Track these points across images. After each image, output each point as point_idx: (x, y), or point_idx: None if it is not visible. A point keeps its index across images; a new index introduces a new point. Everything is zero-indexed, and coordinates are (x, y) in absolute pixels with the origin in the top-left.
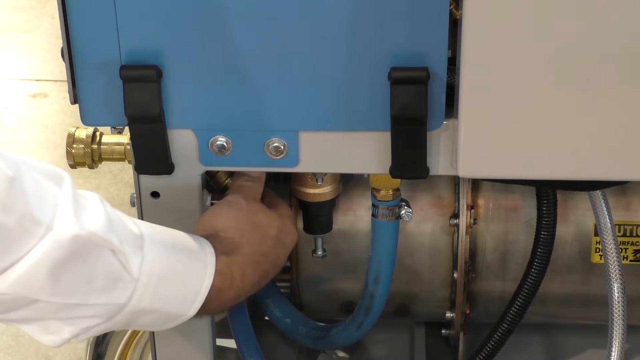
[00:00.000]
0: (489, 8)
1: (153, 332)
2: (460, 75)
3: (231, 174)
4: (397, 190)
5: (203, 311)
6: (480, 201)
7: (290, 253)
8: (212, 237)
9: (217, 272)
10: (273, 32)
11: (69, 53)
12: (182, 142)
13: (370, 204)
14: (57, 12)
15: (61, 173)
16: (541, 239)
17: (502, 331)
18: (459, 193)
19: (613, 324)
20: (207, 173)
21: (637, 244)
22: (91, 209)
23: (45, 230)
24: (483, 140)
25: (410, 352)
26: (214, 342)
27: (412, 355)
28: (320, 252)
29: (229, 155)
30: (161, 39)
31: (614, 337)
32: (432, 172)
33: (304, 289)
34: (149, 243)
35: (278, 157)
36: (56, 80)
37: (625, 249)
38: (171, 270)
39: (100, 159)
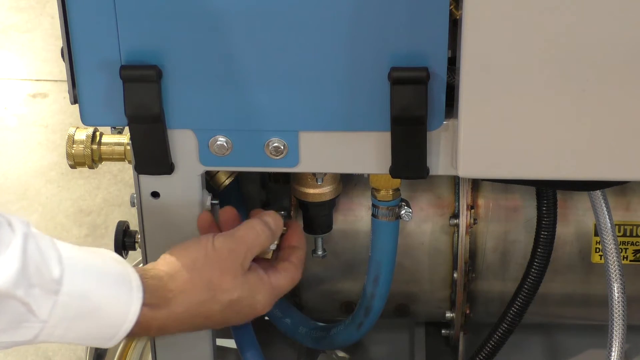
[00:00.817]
0: (489, 8)
1: None
2: (460, 75)
3: (231, 174)
4: (397, 190)
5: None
6: (480, 201)
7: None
8: (154, 280)
9: (135, 322)
10: (273, 32)
11: (69, 53)
12: (182, 142)
13: (370, 204)
14: (57, 12)
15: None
16: (541, 239)
17: (502, 331)
18: (459, 193)
19: (613, 324)
20: (207, 173)
21: (637, 244)
22: (6, 259)
23: None
24: (483, 140)
25: (410, 352)
26: (214, 342)
27: (412, 355)
28: (320, 252)
29: (229, 155)
30: (161, 39)
31: (614, 337)
32: (432, 172)
33: (304, 289)
34: (68, 285)
35: (278, 157)
36: (56, 80)
37: (625, 249)
38: (88, 313)
39: (100, 159)
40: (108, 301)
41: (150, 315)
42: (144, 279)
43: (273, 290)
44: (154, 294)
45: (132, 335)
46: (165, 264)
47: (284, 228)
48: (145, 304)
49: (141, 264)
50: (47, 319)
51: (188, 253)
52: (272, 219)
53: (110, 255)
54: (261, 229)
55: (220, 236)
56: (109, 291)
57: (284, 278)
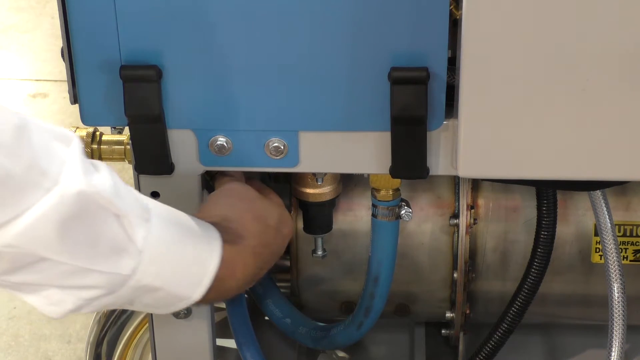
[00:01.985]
0: (489, 8)
1: (153, 332)
2: (460, 75)
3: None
4: (397, 190)
5: (202, 300)
6: (480, 201)
7: (290, 253)
8: (216, 225)
9: (221, 260)
10: (273, 32)
11: (69, 53)
12: (182, 142)
13: (370, 204)
14: (57, 12)
15: (70, 135)
16: (541, 239)
17: (502, 331)
18: (459, 193)
19: (613, 324)
20: (207, 173)
21: (637, 244)
22: (99, 172)
23: (52, 184)
24: (483, 140)
25: (410, 352)
26: (214, 342)
27: (412, 355)
28: (320, 252)
29: (229, 155)
30: (161, 39)
31: (614, 337)
32: (432, 172)
33: (304, 289)
34: (155, 217)
35: (278, 157)
36: (56, 80)
37: (625, 249)
38: (177, 249)
39: (100, 159)
40: (192, 236)
41: (232, 251)
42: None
43: (284, 206)
44: (226, 232)
45: (218, 281)
46: (203, 215)
47: None
48: (224, 241)
49: None
50: (142, 249)
51: (217, 201)
52: (232, 173)
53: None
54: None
55: (225, 184)
56: (191, 226)
57: (277, 197)
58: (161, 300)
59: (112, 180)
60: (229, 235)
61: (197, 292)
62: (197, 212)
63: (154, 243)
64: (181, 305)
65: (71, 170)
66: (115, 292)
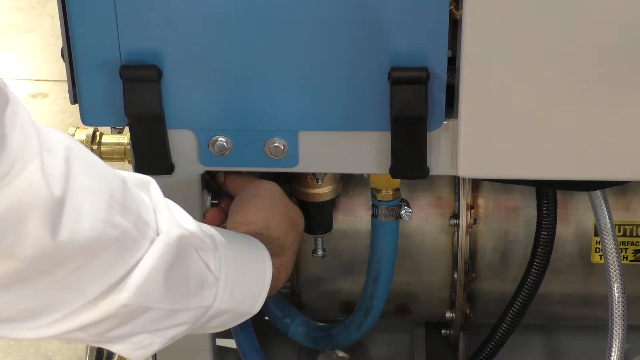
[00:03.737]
0: (489, 8)
1: None
2: (460, 75)
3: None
4: (397, 190)
5: None
6: (480, 201)
7: None
8: (258, 236)
9: (272, 274)
10: (273, 32)
11: (69, 53)
12: (182, 142)
13: (370, 204)
14: (57, 12)
15: (145, 178)
16: (541, 239)
17: (502, 331)
18: (459, 193)
19: (613, 324)
20: (207, 173)
21: (637, 244)
22: (178, 209)
23: (154, 234)
24: (483, 140)
25: (410, 352)
26: (214, 342)
27: (412, 355)
28: (320, 252)
29: (229, 156)
30: (161, 39)
31: (614, 337)
32: (432, 172)
33: (304, 289)
34: (219, 242)
35: (278, 157)
36: (56, 80)
37: (625, 249)
38: (241, 269)
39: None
40: (250, 254)
41: (277, 263)
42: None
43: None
44: (270, 245)
45: (270, 292)
46: (247, 224)
47: None
48: (271, 254)
49: None
50: (219, 276)
51: (258, 205)
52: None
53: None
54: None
55: (261, 184)
56: (246, 245)
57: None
58: (227, 320)
59: (189, 215)
60: (273, 247)
61: (257, 307)
62: (238, 217)
63: (225, 268)
64: (240, 322)
65: (164, 216)
66: (195, 324)
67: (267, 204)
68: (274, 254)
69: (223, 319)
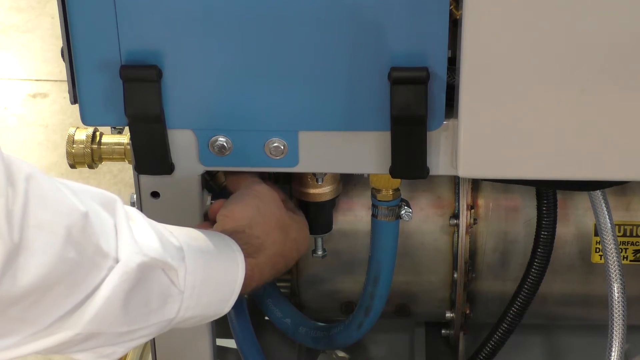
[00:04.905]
0: (489, 8)
1: None
2: (460, 75)
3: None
4: (397, 190)
5: None
6: (480, 201)
7: None
8: (238, 234)
9: (244, 274)
10: (273, 32)
11: (69, 53)
12: (182, 142)
13: (370, 204)
14: (57, 12)
15: (111, 197)
16: (541, 239)
17: (502, 331)
18: (459, 193)
19: (613, 324)
20: (207, 173)
21: (637, 244)
22: (142, 231)
23: (112, 262)
24: (483, 140)
25: (410, 352)
26: (214, 342)
27: (412, 355)
28: (320, 252)
29: (229, 155)
30: (161, 39)
31: (614, 337)
32: (432, 172)
33: (304, 289)
34: (187, 253)
35: (278, 157)
36: (56, 80)
37: (625, 249)
38: (209, 276)
39: (100, 159)
40: (221, 260)
41: (252, 263)
42: (231, 235)
43: (306, 226)
44: (247, 245)
45: (242, 291)
46: (233, 218)
47: None
48: (245, 254)
49: None
50: (184, 289)
51: (246, 202)
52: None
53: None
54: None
55: (255, 185)
56: (218, 250)
57: (302, 214)
58: (194, 322)
59: (155, 235)
60: (250, 248)
61: (226, 308)
62: (226, 210)
63: (191, 280)
64: (209, 321)
65: (126, 243)
66: (161, 331)
67: (255, 203)
68: (249, 254)
69: (189, 323)
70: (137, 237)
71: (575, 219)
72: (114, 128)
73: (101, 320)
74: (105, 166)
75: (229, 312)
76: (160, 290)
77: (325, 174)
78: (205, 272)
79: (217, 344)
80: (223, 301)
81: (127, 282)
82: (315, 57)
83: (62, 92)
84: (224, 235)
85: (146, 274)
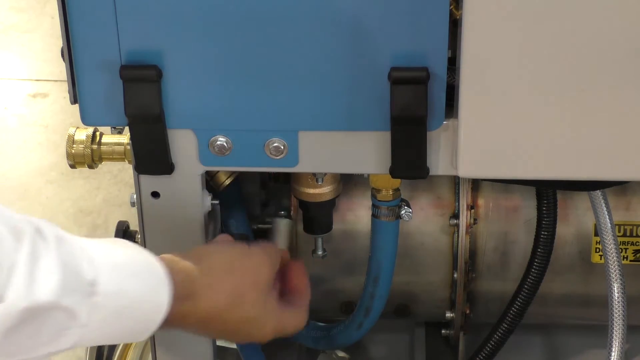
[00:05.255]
0: (489, 8)
1: None
2: (460, 75)
3: (231, 174)
4: (397, 190)
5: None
6: (480, 201)
7: (290, 253)
8: (180, 273)
9: (167, 314)
10: (273, 32)
11: (69, 53)
12: (182, 142)
13: (370, 204)
14: (57, 12)
15: (23, 228)
16: (541, 239)
17: (502, 331)
18: (459, 193)
19: (613, 324)
20: (207, 173)
21: (637, 244)
22: (46, 268)
23: None
24: (483, 140)
25: (410, 352)
26: (214, 342)
27: (412, 355)
28: (320, 252)
29: (229, 155)
30: (161, 39)
31: (614, 337)
32: (432, 172)
33: None
34: (102, 285)
35: (278, 157)
36: (56, 80)
37: (625, 249)
38: (123, 310)
39: (100, 159)
40: (141, 295)
41: (177, 308)
42: (172, 270)
43: (280, 324)
44: (181, 286)
45: (164, 328)
46: (197, 258)
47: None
48: (174, 296)
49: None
50: (87, 323)
51: (225, 254)
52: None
53: (133, 246)
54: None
55: (259, 247)
56: (141, 285)
57: (293, 318)
58: (112, 341)
59: (58, 275)
60: (183, 289)
61: (143, 337)
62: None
63: (99, 316)
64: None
65: (17, 283)
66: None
67: (227, 260)
68: (184, 297)
69: (104, 341)
70: (37, 276)
71: (575, 219)
72: (114, 128)
73: None
74: (105, 166)
75: None
76: (53, 327)
77: (325, 174)
78: (120, 305)
79: (217, 343)
80: (138, 333)
81: (8, 322)
82: (315, 57)
83: (62, 92)
84: (160, 269)
85: (35, 315)
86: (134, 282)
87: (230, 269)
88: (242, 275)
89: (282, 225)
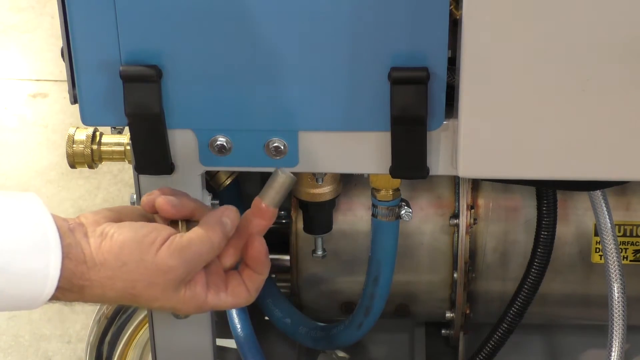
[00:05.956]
0: (489, 8)
1: (153, 332)
2: (460, 75)
3: (231, 174)
4: (397, 190)
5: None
6: (480, 201)
7: (290, 253)
8: (73, 261)
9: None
10: (273, 32)
11: (69, 53)
12: (182, 142)
13: (370, 204)
14: (57, 12)
15: None
16: (541, 239)
17: (502, 331)
18: (459, 193)
19: (613, 324)
20: (207, 173)
21: (637, 244)
22: None
23: None
24: (483, 140)
25: (410, 352)
26: (214, 342)
27: (412, 355)
28: (320, 252)
29: (229, 155)
30: (161, 39)
31: (614, 337)
32: (432, 172)
33: (304, 289)
34: None
35: (278, 157)
36: (56, 80)
37: (625, 249)
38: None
39: (100, 159)
40: (23, 283)
41: (62, 296)
42: (65, 256)
43: (203, 308)
44: (69, 280)
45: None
46: (96, 244)
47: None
48: (58, 287)
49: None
50: None
51: (124, 250)
52: (230, 220)
53: (30, 213)
54: (219, 240)
55: (168, 248)
56: (25, 274)
57: (227, 302)
58: None
59: None
60: (69, 284)
61: (34, 305)
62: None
63: None
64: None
65: None
66: None
67: (123, 259)
68: (68, 290)
69: None
70: None
71: (575, 219)
72: (114, 128)
73: None
74: (105, 166)
75: (229, 312)
76: None
77: (325, 174)
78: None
79: (217, 344)
80: (16, 309)
81: None
82: (315, 57)
83: (62, 92)
84: (52, 246)
85: None
86: (19, 263)
87: (123, 269)
88: (137, 276)
89: (279, 179)
